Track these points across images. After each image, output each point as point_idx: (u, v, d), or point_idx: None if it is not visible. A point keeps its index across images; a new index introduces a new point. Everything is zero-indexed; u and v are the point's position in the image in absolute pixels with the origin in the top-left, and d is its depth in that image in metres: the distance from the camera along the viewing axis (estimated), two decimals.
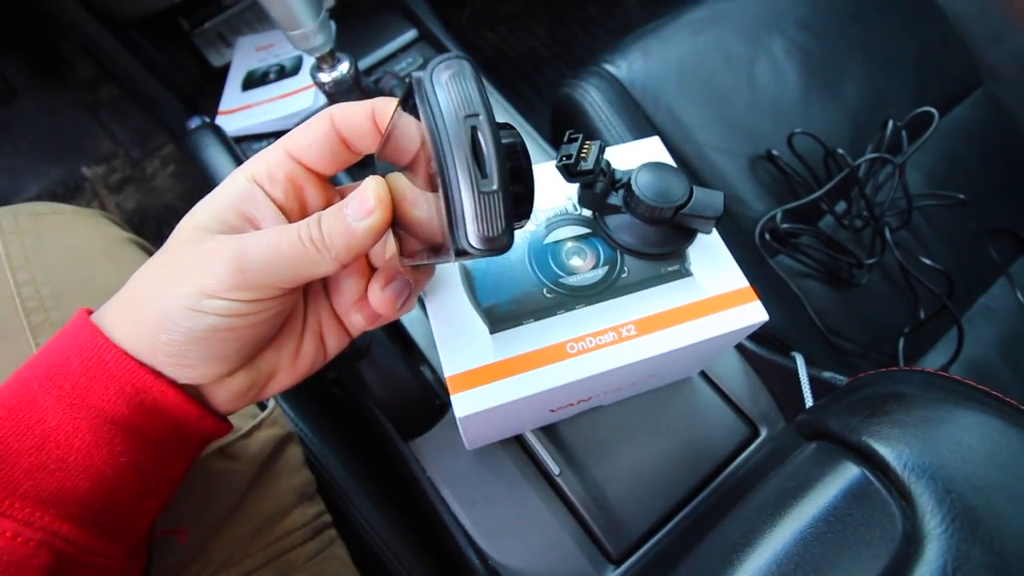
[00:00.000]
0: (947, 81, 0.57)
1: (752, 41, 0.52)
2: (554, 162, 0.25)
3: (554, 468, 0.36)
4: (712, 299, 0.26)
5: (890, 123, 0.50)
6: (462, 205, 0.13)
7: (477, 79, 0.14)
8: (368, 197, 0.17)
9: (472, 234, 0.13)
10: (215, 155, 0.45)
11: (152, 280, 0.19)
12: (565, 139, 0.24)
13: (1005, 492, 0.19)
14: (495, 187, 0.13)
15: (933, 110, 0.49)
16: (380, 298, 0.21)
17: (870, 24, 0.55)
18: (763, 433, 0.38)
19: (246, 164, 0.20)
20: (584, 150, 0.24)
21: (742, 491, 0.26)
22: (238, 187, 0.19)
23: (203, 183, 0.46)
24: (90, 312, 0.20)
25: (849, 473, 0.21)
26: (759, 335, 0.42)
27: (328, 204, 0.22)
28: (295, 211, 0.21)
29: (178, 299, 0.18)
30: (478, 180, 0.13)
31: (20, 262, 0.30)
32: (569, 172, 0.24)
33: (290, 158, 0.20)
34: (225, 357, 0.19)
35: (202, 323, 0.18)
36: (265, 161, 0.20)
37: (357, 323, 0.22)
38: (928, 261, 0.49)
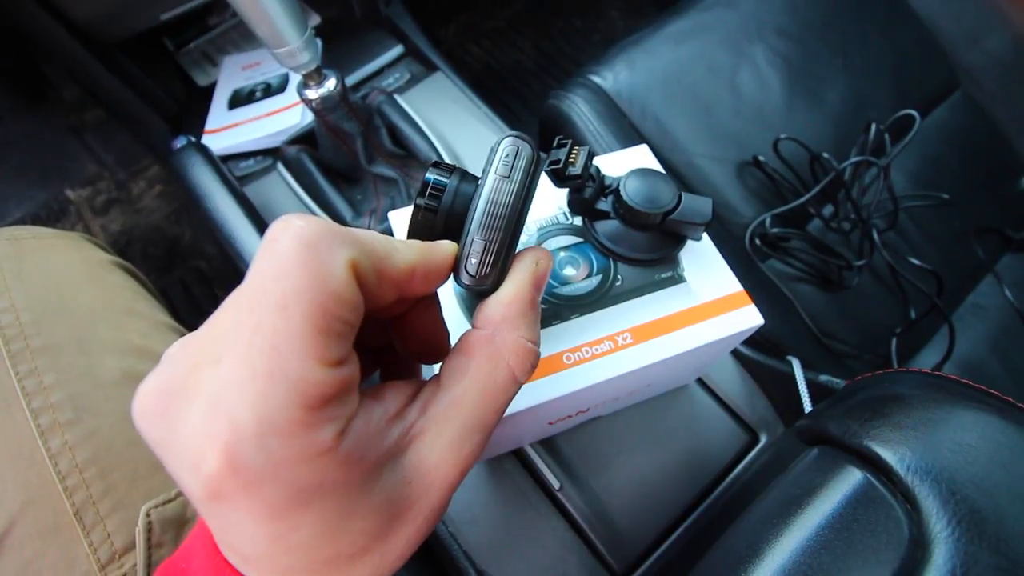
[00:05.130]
0: (926, 84, 0.58)
1: (734, 50, 0.53)
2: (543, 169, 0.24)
3: (554, 483, 0.35)
4: (707, 304, 0.26)
5: (873, 126, 0.51)
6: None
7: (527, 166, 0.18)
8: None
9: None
10: (201, 174, 0.44)
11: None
12: (554, 144, 0.24)
13: (1009, 492, 0.19)
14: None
15: (914, 112, 0.50)
16: None
17: (848, 31, 0.57)
18: (763, 439, 0.38)
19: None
20: (572, 155, 0.24)
21: (745, 499, 0.26)
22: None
23: (189, 203, 0.45)
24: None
25: (852, 478, 0.21)
26: (754, 340, 0.42)
27: None
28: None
29: None
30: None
31: None
32: (558, 177, 0.24)
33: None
34: None
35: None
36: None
37: None
38: (916, 261, 0.49)
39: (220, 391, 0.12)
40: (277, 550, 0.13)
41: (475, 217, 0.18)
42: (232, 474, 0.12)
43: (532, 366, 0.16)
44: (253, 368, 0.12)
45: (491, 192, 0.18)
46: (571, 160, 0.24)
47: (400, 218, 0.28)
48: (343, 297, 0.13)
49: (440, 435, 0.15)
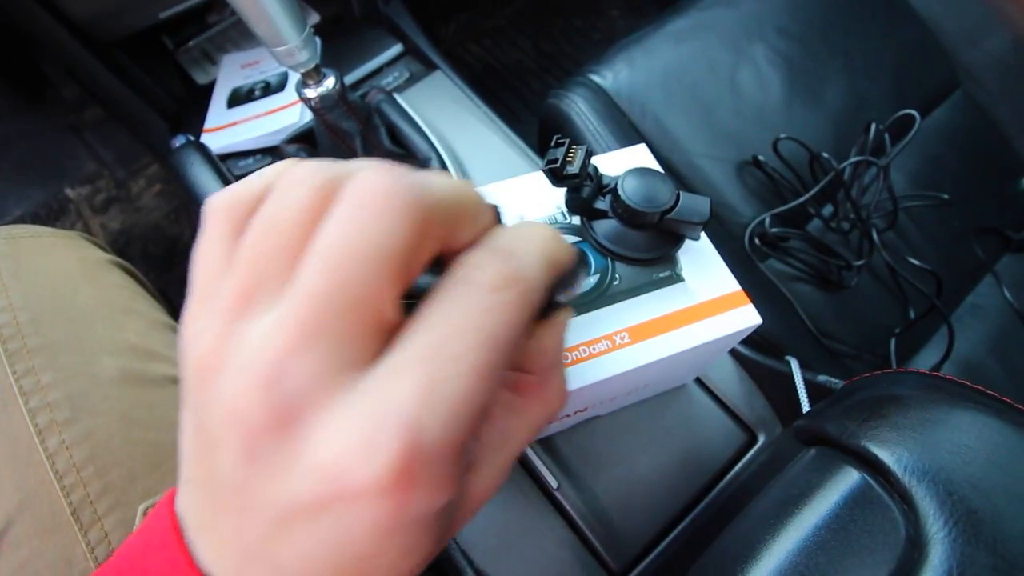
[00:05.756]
0: (926, 84, 0.58)
1: (734, 49, 0.53)
2: (541, 168, 0.25)
3: (552, 482, 0.35)
4: (705, 304, 0.26)
5: (873, 126, 0.51)
6: None
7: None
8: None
9: None
10: (200, 173, 0.44)
11: None
12: (552, 143, 0.24)
13: (1006, 493, 0.19)
14: None
15: (915, 112, 0.50)
16: None
17: (849, 30, 0.56)
18: (761, 439, 0.38)
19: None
20: (570, 154, 0.24)
21: (742, 499, 0.26)
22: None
23: (189, 202, 0.45)
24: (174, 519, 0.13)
25: (849, 478, 0.21)
26: (753, 339, 0.42)
27: None
28: None
29: None
30: None
31: None
32: (555, 175, 0.24)
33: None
34: None
35: None
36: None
37: None
38: (915, 261, 0.49)
39: (422, 401, 0.11)
40: (372, 566, 0.11)
41: None
42: (406, 478, 0.10)
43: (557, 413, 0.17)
44: (449, 381, 0.11)
45: None
46: (569, 159, 0.23)
47: None
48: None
49: (491, 464, 0.14)
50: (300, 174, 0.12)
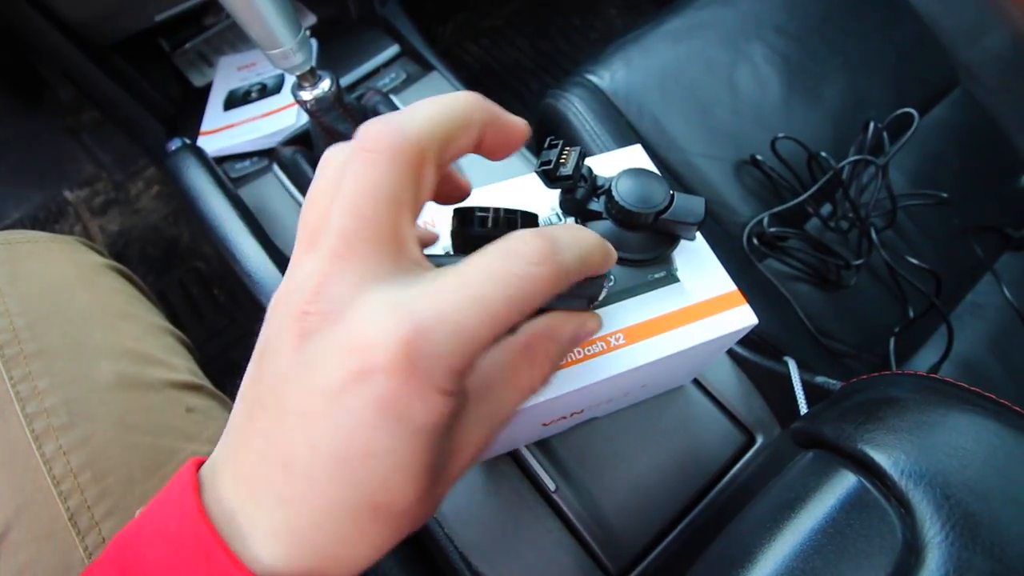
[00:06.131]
0: (925, 82, 0.58)
1: (732, 48, 0.53)
2: (534, 170, 0.24)
3: (550, 484, 0.35)
4: (700, 304, 0.25)
5: (871, 125, 0.51)
6: None
7: None
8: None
9: None
10: (196, 176, 0.44)
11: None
12: (546, 145, 0.24)
13: (1003, 496, 0.19)
14: None
15: (913, 111, 0.50)
16: None
17: (847, 28, 0.56)
18: (759, 440, 0.38)
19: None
20: (564, 156, 0.24)
21: (741, 501, 0.26)
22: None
23: (187, 205, 0.45)
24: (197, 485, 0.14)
25: (846, 482, 0.21)
26: (750, 340, 0.41)
27: None
28: None
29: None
30: None
31: None
32: (548, 177, 0.23)
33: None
34: None
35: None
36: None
37: None
38: (915, 260, 0.49)
39: (440, 303, 0.13)
40: (366, 471, 0.13)
41: None
42: (407, 363, 0.12)
43: (545, 381, 0.18)
44: (467, 290, 0.13)
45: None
46: (562, 161, 0.23)
47: None
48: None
49: (477, 416, 0.16)
50: (328, 155, 0.16)
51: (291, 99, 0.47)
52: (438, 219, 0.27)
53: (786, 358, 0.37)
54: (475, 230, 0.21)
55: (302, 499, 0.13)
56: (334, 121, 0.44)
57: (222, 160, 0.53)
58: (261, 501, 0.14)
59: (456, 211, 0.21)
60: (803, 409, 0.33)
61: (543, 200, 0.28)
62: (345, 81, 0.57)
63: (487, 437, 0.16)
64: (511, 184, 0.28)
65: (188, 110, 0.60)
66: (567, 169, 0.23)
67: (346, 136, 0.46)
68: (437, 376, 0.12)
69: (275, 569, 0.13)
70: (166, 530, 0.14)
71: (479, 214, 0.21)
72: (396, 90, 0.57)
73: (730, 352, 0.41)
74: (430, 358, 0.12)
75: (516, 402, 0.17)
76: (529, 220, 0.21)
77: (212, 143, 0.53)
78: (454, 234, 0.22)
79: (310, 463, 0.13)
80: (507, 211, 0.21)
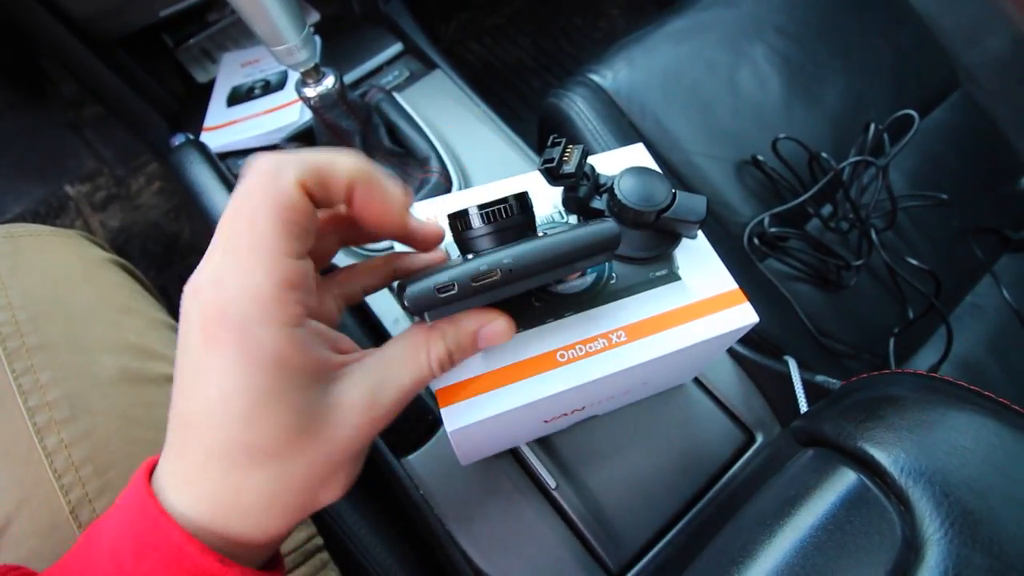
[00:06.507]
0: (925, 84, 0.58)
1: (733, 49, 0.53)
2: (537, 167, 0.25)
3: (550, 482, 0.35)
4: (702, 302, 0.26)
5: (872, 126, 0.51)
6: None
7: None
8: (507, 329, 0.20)
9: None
10: (199, 172, 0.44)
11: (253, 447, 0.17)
12: (548, 143, 0.24)
13: (1003, 494, 0.19)
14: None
15: (914, 112, 0.50)
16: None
17: (848, 30, 0.56)
18: (759, 439, 0.38)
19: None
20: (567, 154, 0.24)
21: (740, 499, 0.26)
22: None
23: (188, 200, 0.45)
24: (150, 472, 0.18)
25: (846, 480, 0.21)
26: (751, 339, 0.42)
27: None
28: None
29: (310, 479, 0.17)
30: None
31: None
32: (552, 175, 0.24)
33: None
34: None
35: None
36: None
37: None
38: (914, 261, 0.49)
39: (218, 273, 0.16)
40: (226, 412, 0.16)
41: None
42: (222, 317, 0.16)
43: (442, 367, 0.20)
44: (238, 259, 0.16)
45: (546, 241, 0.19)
46: (565, 159, 0.24)
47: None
48: (296, 206, 0.17)
49: (362, 379, 0.18)
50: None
51: (294, 96, 0.47)
52: (441, 213, 0.27)
53: (786, 357, 0.37)
54: (471, 232, 0.21)
55: (189, 448, 0.17)
56: (337, 118, 0.44)
57: (225, 156, 0.53)
58: (174, 459, 0.17)
59: (449, 217, 0.22)
60: (803, 408, 0.33)
61: (546, 197, 0.28)
62: (348, 78, 0.57)
63: (369, 400, 0.18)
64: (512, 182, 0.29)
65: (191, 106, 0.60)
66: (570, 167, 0.23)
67: (349, 133, 0.46)
68: (256, 312, 0.16)
69: (188, 518, 0.16)
70: (123, 503, 0.18)
71: (476, 213, 0.21)
72: (399, 88, 0.57)
73: (730, 351, 0.41)
74: (236, 303, 0.16)
75: (411, 378, 0.19)
76: (521, 201, 0.21)
77: (215, 139, 0.53)
78: (455, 240, 0.22)
79: (191, 414, 0.16)
80: (493, 203, 0.21)
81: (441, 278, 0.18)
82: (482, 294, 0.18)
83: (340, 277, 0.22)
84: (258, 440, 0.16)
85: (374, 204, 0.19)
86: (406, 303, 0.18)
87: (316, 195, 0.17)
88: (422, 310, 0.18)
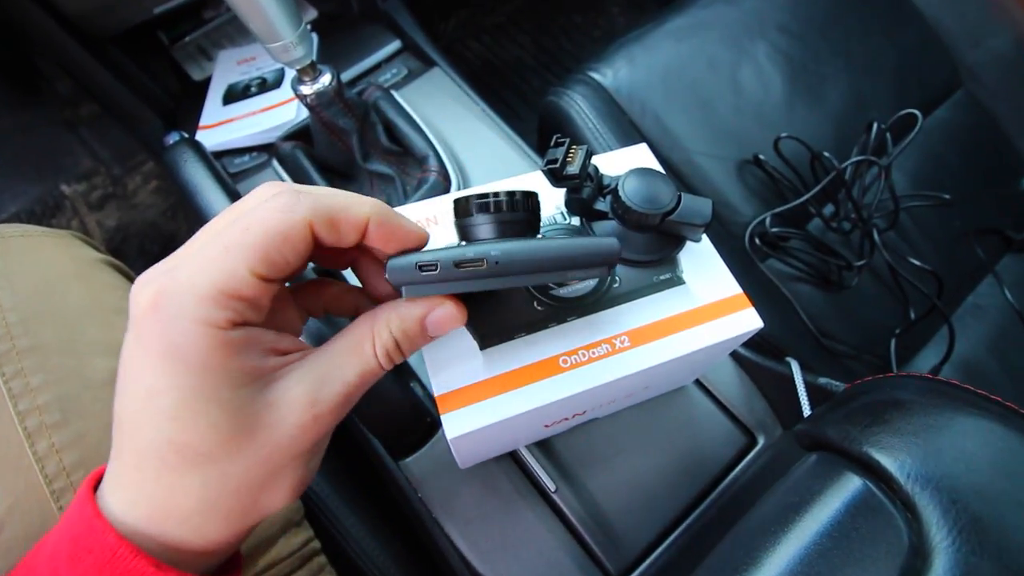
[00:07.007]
0: (928, 83, 0.58)
1: (735, 47, 0.53)
2: (540, 168, 0.24)
3: (550, 485, 0.35)
4: (706, 307, 0.25)
5: (874, 125, 0.51)
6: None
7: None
8: (457, 315, 0.19)
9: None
10: (194, 171, 0.43)
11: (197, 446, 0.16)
12: (552, 143, 0.23)
13: (1012, 501, 0.19)
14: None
15: (917, 112, 0.50)
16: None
17: (850, 29, 0.56)
18: (761, 441, 0.38)
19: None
20: (570, 154, 0.23)
21: (742, 503, 0.25)
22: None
23: (183, 200, 0.44)
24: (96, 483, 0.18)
25: (852, 485, 0.21)
26: (753, 340, 0.41)
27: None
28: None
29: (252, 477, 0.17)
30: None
31: None
32: (555, 176, 0.23)
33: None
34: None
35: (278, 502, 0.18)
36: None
37: None
38: (916, 261, 0.49)
39: (177, 261, 0.17)
40: (155, 410, 0.16)
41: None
42: (152, 309, 0.16)
43: (391, 359, 0.19)
44: (204, 254, 0.16)
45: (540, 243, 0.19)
46: (569, 159, 0.23)
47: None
48: (293, 242, 0.17)
49: (303, 376, 0.18)
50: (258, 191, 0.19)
51: (291, 94, 0.47)
52: (440, 213, 0.27)
53: (789, 359, 0.37)
54: (470, 220, 0.21)
55: (124, 448, 0.16)
56: (334, 116, 0.43)
57: (221, 155, 0.53)
58: (112, 461, 0.17)
59: (455, 202, 0.21)
60: (806, 410, 0.32)
61: (548, 199, 0.28)
62: (346, 76, 0.57)
63: (311, 398, 0.17)
64: (513, 182, 0.28)
65: (187, 104, 0.59)
66: (574, 168, 0.23)
67: (346, 131, 0.45)
68: (187, 309, 0.15)
69: (123, 522, 0.16)
70: (69, 509, 0.18)
71: (476, 201, 0.20)
72: (397, 86, 0.56)
73: (732, 353, 0.40)
74: (172, 295, 0.16)
75: (356, 372, 0.18)
76: (529, 199, 0.21)
77: (211, 137, 0.53)
78: (456, 225, 0.22)
79: (123, 412, 0.16)
80: (498, 193, 0.21)
81: (425, 256, 0.18)
82: (463, 280, 0.18)
83: (307, 290, 0.22)
84: (189, 440, 0.16)
85: (393, 243, 0.19)
86: (387, 276, 0.18)
87: (322, 236, 0.18)
88: (400, 284, 0.18)
